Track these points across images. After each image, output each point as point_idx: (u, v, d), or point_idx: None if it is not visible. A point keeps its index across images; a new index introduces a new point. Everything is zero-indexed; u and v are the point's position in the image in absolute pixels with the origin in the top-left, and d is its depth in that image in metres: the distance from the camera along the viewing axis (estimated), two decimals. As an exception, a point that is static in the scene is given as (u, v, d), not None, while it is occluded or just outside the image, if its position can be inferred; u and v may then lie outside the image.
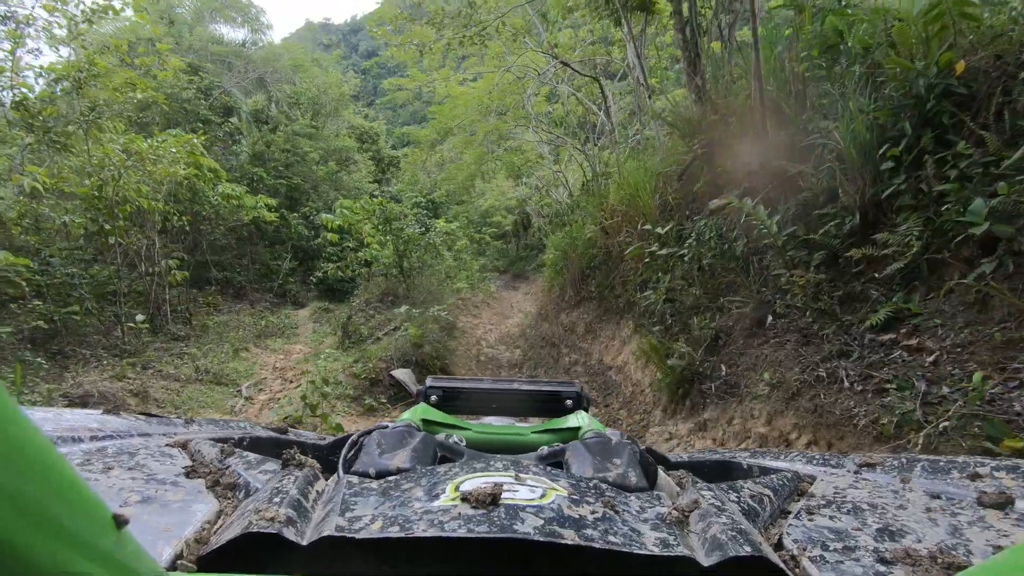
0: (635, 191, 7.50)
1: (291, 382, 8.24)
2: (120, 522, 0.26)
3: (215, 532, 0.52)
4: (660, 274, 5.76)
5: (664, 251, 5.47)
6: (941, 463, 0.75)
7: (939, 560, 0.49)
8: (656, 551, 0.47)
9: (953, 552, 0.50)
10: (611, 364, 7.78)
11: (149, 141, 8.27)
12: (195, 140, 9.35)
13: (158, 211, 10.55)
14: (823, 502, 0.65)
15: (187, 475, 0.63)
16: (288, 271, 15.95)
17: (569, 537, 0.46)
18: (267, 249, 17.62)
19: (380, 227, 10.10)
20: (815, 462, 0.85)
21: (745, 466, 0.88)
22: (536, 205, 23.25)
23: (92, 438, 0.72)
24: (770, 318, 3.92)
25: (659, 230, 5.58)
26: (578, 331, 9.37)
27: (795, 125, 4.24)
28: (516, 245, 27.79)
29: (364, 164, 23.22)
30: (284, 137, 19.50)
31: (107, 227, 8.96)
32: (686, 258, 5.46)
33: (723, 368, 4.06)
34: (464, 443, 0.86)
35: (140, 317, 9.29)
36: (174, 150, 8.69)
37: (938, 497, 0.64)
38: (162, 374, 8.04)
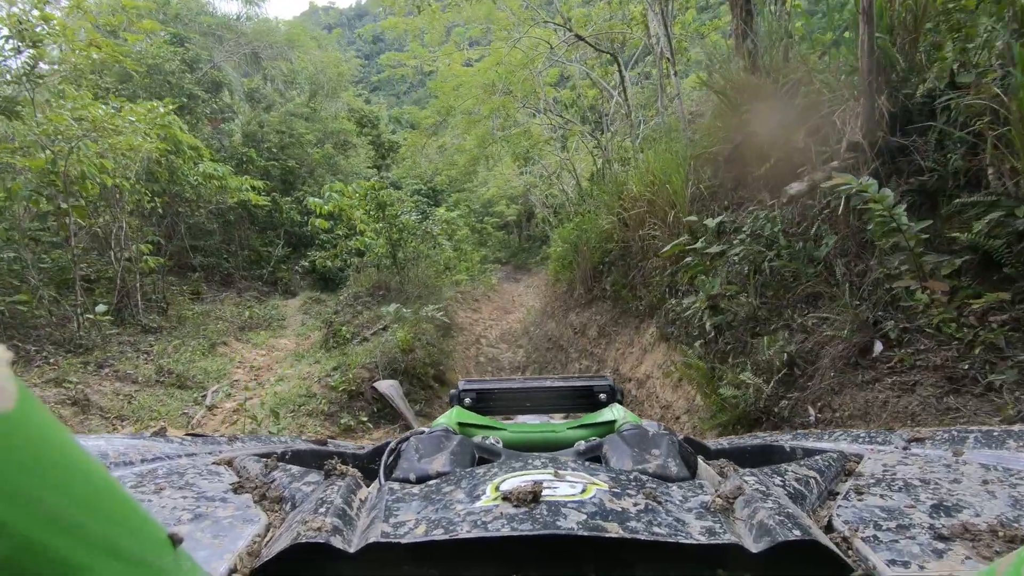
0: (663, 178, 6.36)
1: (264, 387, 7.15)
2: (176, 540, 0.26)
3: (266, 544, 0.52)
4: (702, 276, 4.64)
5: (713, 248, 4.33)
6: (995, 433, 0.71)
7: (1000, 534, 0.46)
8: (703, 540, 0.45)
9: (1015, 524, 0.48)
10: (630, 375, 6.68)
11: (104, 108, 7.08)
12: (161, 109, 8.12)
13: (128, 190, 9.41)
14: (872, 481, 0.62)
15: (235, 491, 0.63)
16: (280, 258, 14.79)
17: (613, 530, 0.44)
18: (258, 235, 16.48)
19: (373, 213, 8.97)
20: (861, 440, 0.81)
21: (788, 449, 0.83)
22: (541, 195, 22.09)
23: (142, 461, 0.73)
24: (879, 345, 2.80)
25: (708, 221, 4.44)
26: (589, 334, 8.27)
27: (910, 84, 3.10)
28: (519, 236, 26.68)
29: (363, 148, 22.00)
30: (279, 118, 18.28)
31: (64, 206, 7.81)
32: (737, 258, 4.35)
33: (811, 411, 2.96)
34: (501, 443, 0.84)
35: (101, 308, 8.16)
36: (134, 118, 7.49)
37: (994, 468, 0.60)
38: (118, 374, 6.95)
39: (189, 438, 0.92)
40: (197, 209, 11.87)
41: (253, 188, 12.47)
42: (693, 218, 4.89)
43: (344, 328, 7.66)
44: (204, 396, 6.83)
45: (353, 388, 5.44)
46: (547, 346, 9.78)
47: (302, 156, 17.94)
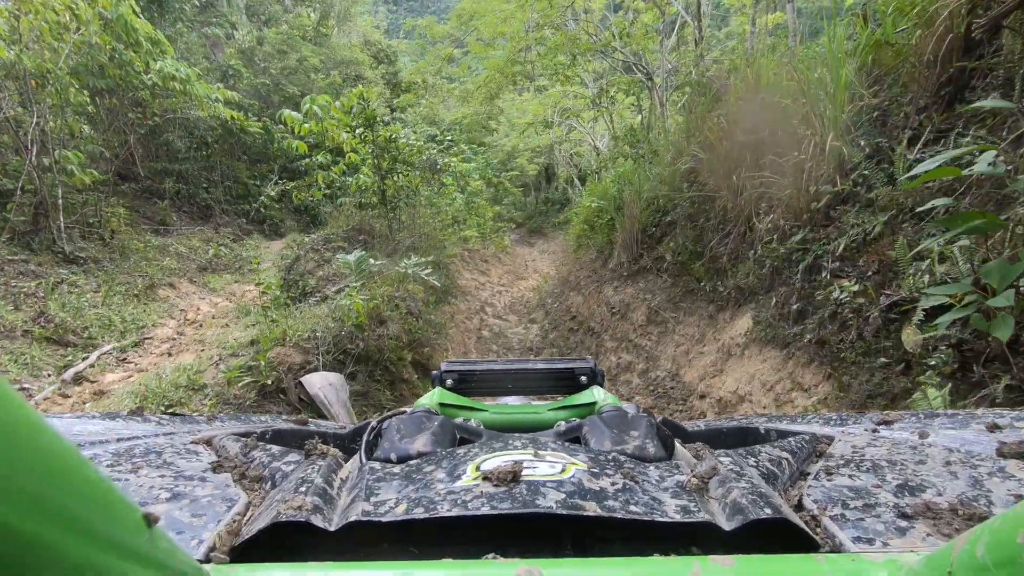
0: (800, 83, 3.87)
1: (185, 351, 4.86)
2: (151, 520, 0.26)
3: (245, 523, 0.50)
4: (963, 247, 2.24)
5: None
6: (960, 417, 0.73)
7: (960, 512, 0.47)
8: (677, 518, 0.45)
9: (974, 504, 0.48)
10: (702, 389, 4.33)
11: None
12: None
13: (52, 77, 7.01)
14: (841, 462, 0.62)
15: (214, 470, 0.61)
16: (273, 195, 12.35)
17: (591, 509, 0.44)
18: (249, 166, 14.02)
19: (361, 134, 6.53)
20: (832, 423, 0.82)
21: (763, 431, 0.82)
22: (567, 152, 19.41)
23: (118, 439, 0.70)
24: None
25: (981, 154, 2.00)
26: (634, 318, 5.88)
27: None
28: (536, 198, 24.09)
29: (377, 87, 19.24)
30: (281, 36, 15.57)
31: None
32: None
33: None
34: (482, 424, 0.82)
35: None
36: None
37: (957, 451, 0.61)
38: (-29, 318, 4.70)
39: (167, 417, 0.88)
40: (152, 117, 9.39)
41: (229, 103, 9.98)
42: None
43: (302, 280, 5.34)
44: (86, 358, 4.54)
45: (270, 381, 3.18)
46: (571, 326, 7.43)
47: (304, 83, 15.28)
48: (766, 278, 3.98)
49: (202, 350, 4.41)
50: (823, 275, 3.25)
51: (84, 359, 4.56)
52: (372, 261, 4.21)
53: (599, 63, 13.76)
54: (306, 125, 7.18)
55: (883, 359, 2.66)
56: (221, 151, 12.91)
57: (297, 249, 6.24)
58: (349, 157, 7.17)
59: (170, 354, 4.68)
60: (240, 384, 3.04)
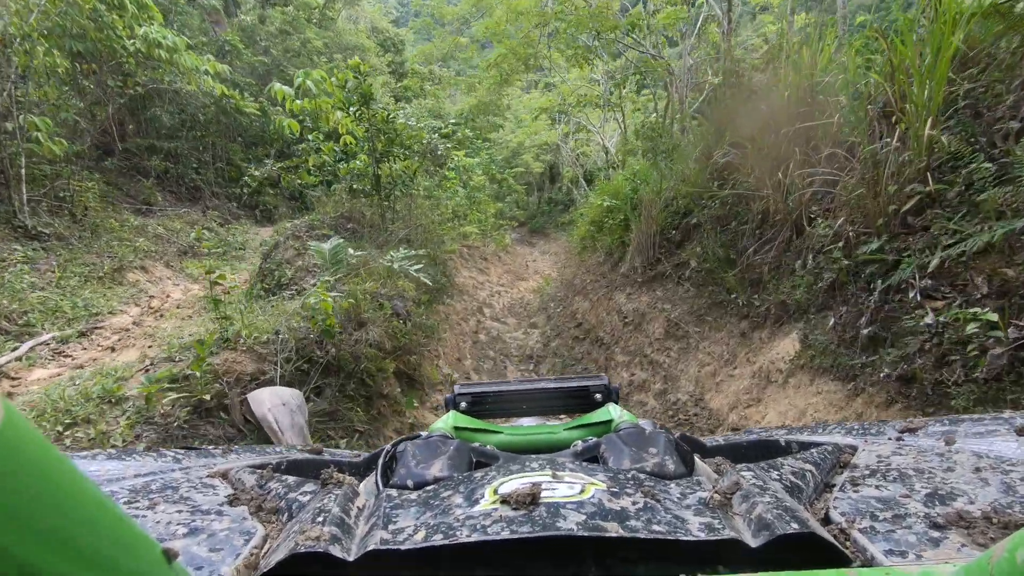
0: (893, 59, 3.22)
1: (132, 346, 4.15)
2: (171, 556, 0.25)
3: (263, 556, 0.50)
4: None
5: None
6: (986, 421, 0.70)
7: (994, 520, 0.44)
8: (702, 536, 0.43)
9: (1008, 511, 0.46)
10: (735, 419, 3.65)
11: None
12: None
13: (16, 33, 6.30)
14: (867, 472, 0.59)
15: (230, 503, 0.60)
16: (257, 176, 11.61)
17: (613, 530, 0.43)
18: (245, 148, 13.28)
19: (356, 112, 5.83)
20: (854, 432, 0.80)
21: (783, 443, 0.80)
22: (574, 151, 18.72)
23: (136, 475, 0.70)
24: None
25: None
26: (650, 329, 5.20)
27: None
28: (539, 198, 23.40)
29: (382, 76, 18.53)
30: (285, 16, 14.85)
31: None
32: None
33: None
34: (497, 448, 0.81)
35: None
36: None
37: (986, 456, 0.58)
38: None
39: (183, 451, 0.87)
40: (134, 86, 8.68)
41: (222, 79, 9.28)
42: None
43: (279, 270, 4.65)
44: (15, 348, 3.83)
45: (207, 397, 2.46)
46: (575, 334, 6.75)
47: (307, 66, 14.52)
48: (821, 294, 3.30)
49: (149, 346, 3.72)
50: (911, 295, 2.57)
51: (13, 350, 3.85)
52: (352, 251, 3.51)
53: (612, 62, 13.10)
54: (298, 102, 6.48)
55: (1010, 411, 1.98)
56: (217, 131, 12.19)
57: (277, 236, 5.55)
58: (344, 139, 6.47)
59: (114, 349, 3.98)
60: (167, 399, 2.35)
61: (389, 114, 5.85)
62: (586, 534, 0.42)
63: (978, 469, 0.56)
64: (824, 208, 3.59)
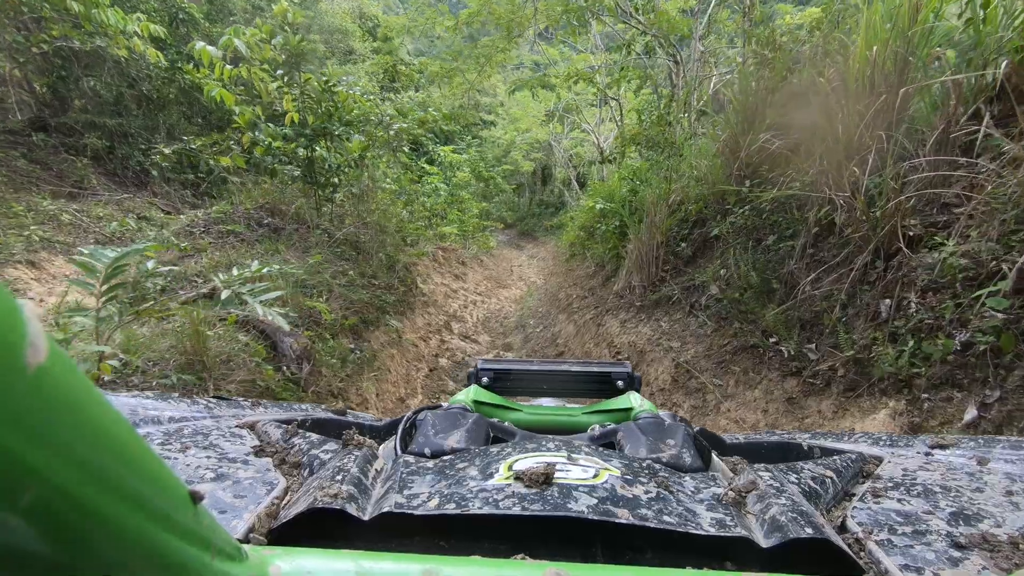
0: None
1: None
2: (196, 498, 0.26)
3: (283, 507, 0.51)
4: None
5: None
6: (1023, 444, 0.66)
7: (1021, 546, 0.43)
8: (712, 531, 0.42)
9: None
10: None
11: None
12: None
13: None
14: (891, 484, 0.57)
15: (256, 454, 0.62)
16: (167, 153, 10.14)
17: (623, 516, 0.42)
18: (204, 130, 11.81)
19: (284, 77, 4.47)
20: (882, 443, 0.74)
21: (805, 447, 0.76)
22: (567, 151, 17.41)
23: (170, 419, 0.71)
24: None
25: None
26: (651, 373, 3.87)
27: None
28: (529, 199, 22.11)
29: (370, 67, 17.10)
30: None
31: None
32: None
33: None
34: (515, 424, 0.78)
35: None
36: None
37: (1020, 479, 0.55)
38: None
39: (215, 400, 0.88)
40: (39, 43, 7.25)
41: (160, 44, 7.86)
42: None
43: (145, 279, 3.28)
44: None
45: None
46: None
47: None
48: (945, 364, 2.00)
49: None
50: None
51: None
52: (153, 265, 2.16)
53: (611, 55, 11.80)
54: (229, 67, 5.09)
55: None
56: (178, 111, 10.75)
57: (177, 225, 4.20)
58: (291, 115, 5.09)
59: None
60: None
61: (327, 81, 4.51)
62: (596, 518, 0.42)
63: (1010, 492, 0.52)
64: (934, 222, 2.29)
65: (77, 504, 0.18)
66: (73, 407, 0.18)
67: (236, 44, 5.22)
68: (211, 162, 6.67)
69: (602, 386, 1.12)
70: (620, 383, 1.10)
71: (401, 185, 9.15)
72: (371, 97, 5.06)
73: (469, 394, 0.97)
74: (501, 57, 8.92)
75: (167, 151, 6.51)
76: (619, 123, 11.32)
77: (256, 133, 5.41)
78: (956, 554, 0.43)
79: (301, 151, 4.57)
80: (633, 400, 0.96)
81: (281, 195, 4.69)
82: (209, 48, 5.12)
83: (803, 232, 2.99)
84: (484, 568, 0.37)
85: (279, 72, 4.55)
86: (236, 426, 0.71)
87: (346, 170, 4.98)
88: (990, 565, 0.41)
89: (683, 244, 4.49)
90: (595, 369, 1.14)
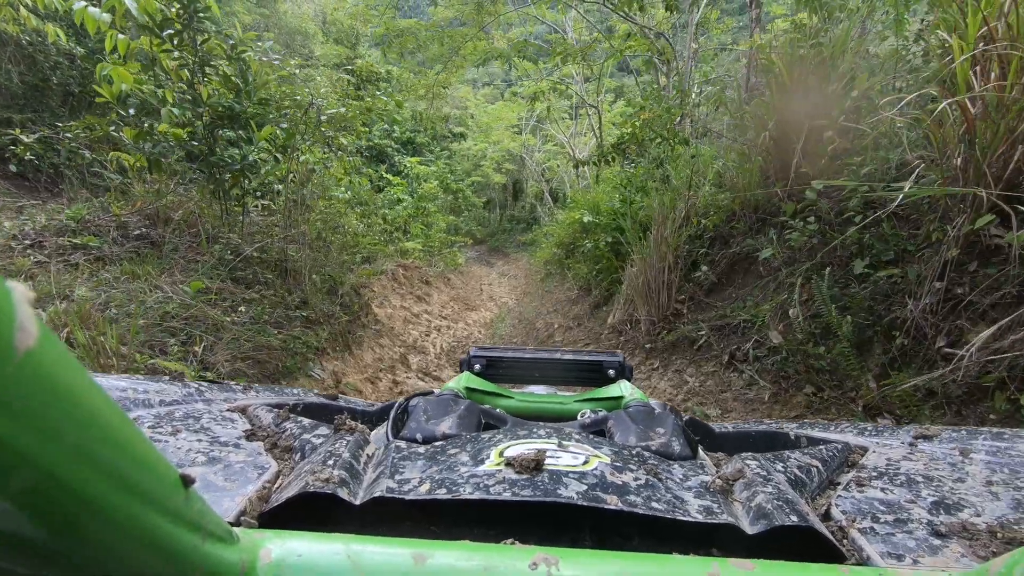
0: None
1: None
2: (187, 481, 0.26)
3: (275, 491, 0.49)
4: None
5: None
6: (1005, 435, 0.66)
7: (999, 535, 0.43)
8: (700, 518, 0.42)
9: (1015, 527, 0.44)
10: None
11: None
12: None
13: None
14: (875, 473, 0.57)
15: (247, 438, 0.60)
16: (29, 143, 8.66)
17: (612, 502, 0.42)
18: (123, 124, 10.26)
19: (174, 38, 3.22)
20: (867, 433, 0.74)
21: (792, 437, 0.76)
22: (540, 164, 16.43)
23: (161, 403, 0.70)
24: None
25: None
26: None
27: None
28: (500, 215, 21.05)
29: (328, 65, 15.80)
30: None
31: None
32: None
33: None
34: (507, 411, 0.79)
35: None
36: None
37: (1001, 470, 0.55)
38: None
39: (206, 384, 0.84)
40: None
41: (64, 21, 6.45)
42: None
43: None
44: None
45: None
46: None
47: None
48: None
49: None
50: None
51: None
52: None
53: (587, 65, 10.92)
54: (123, 37, 3.75)
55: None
56: (92, 103, 9.23)
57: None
58: (215, 98, 3.76)
59: None
60: None
61: (234, 45, 3.29)
62: (585, 504, 0.42)
63: (990, 483, 0.53)
64: None
65: (67, 488, 0.18)
66: (63, 391, 0.18)
67: (129, 6, 3.87)
68: (86, 153, 5.26)
69: (593, 375, 1.11)
70: (611, 372, 1.08)
71: (356, 192, 7.88)
72: (296, 72, 3.85)
73: (461, 381, 0.96)
74: (470, 47, 7.80)
75: (27, 139, 5.05)
76: (597, 132, 10.36)
77: (159, 119, 4.06)
78: (936, 542, 0.43)
79: (198, 141, 3.29)
80: (624, 389, 0.95)
81: (180, 199, 3.39)
82: (92, 10, 3.76)
83: (932, 253, 1.90)
84: (473, 552, 0.36)
85: (167, 33, 3.28)
86: (227, 410, 0.69)
87: (267, 168, 3.71)
88: (968, 553, 0.42)
89: (704, 268, 3.39)
90: (587, 358, 1.13)
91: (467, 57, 7.88)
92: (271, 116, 3.41)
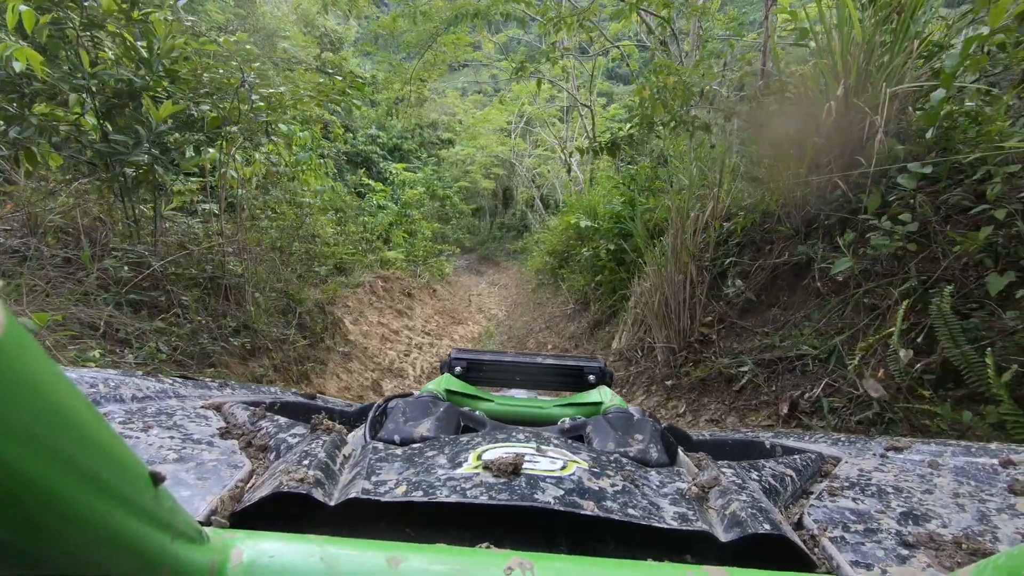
0: None
1: None
2: (157, 479, 0.25)
3: (248, 490, 0.48)
4: None
5: None
6: (973, 449, 0.67)
7: (964, 546, 0.44)
8: (674, 525, 0.42)
9: (979, 538, 0.45)
10: None
11: None
12: None
13: None
14: (847, 483, 0.57)
15: (221, 436, 0.58)
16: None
17: (588, 508, 0.42)
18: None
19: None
20: (840, 444, 0.74)
21: (768, 446, 0.76)
22: (530, 170, 15.74)
23: (133, 398, 0.68)
24: None
25: None
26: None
27: None
28: (490, 223, 20.30)
29: (310, 68, 15.04)
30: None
31: None
32: None
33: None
34: (486, 414, 0.75)
35: None
36: None
37: (967, 483, 0.56)
38: None
39: (180, 380, 0.81)
40: None
41: None
42: None
43: None
44: None
45: None
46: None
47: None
48: None
49: None
50: None
51: None
52: None
53: (581, 63, 10.29)
54: (25, 8, 2.96)
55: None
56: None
57: None
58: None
59: None
60: None
61: (134, 1, 2.52)
62: (562, 508, 0.42)
63: (957, 495, 0.54)
64: None
65: (33, 486, 0.17)
66: (30, 385, 0.17)
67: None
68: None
69: (574, 380, 1.09)
70: (592, 377, 1.07)
71: (329, 198, 7.10)
72: (218, 39, 3.06)
73: (441, 383, 0.93)
74: (452, 39, 7.07)
75: None
76: (591, 133, 9.67)
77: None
78: (904, 552, 0.44)
79: (91, 119, 2.52)
80: (604, 395, 0.95)
81: (75, 202, 2.60)
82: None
83: None
84: (449, 556, 0.35)
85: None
86: (202, 407, 0.67)
87: (188, 160, 2.93)
88: (934, 563, 0.42)
89: (738, 282, 2.65)
90: (568, 363, 1.11)
91: (446, 45, 7.14)
92: (187, 95, 2.64)
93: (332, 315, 5.36)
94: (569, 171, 12.12)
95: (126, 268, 2.55)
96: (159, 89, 2.53)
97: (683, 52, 5.82)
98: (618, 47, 7.32)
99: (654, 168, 4.01)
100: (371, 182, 11.01)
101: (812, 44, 2.54)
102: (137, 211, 2.86)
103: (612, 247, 3.95)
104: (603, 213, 4.74)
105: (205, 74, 2.67)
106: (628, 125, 3.77)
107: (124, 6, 2.57)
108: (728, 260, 2.86)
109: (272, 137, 3.21)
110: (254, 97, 2.82)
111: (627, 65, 6.97)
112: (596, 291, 4.43)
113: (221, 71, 2.72)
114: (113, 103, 2.57)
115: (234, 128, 2.80)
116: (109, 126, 2.53)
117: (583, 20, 4.50)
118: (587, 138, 10.30)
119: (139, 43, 2.57)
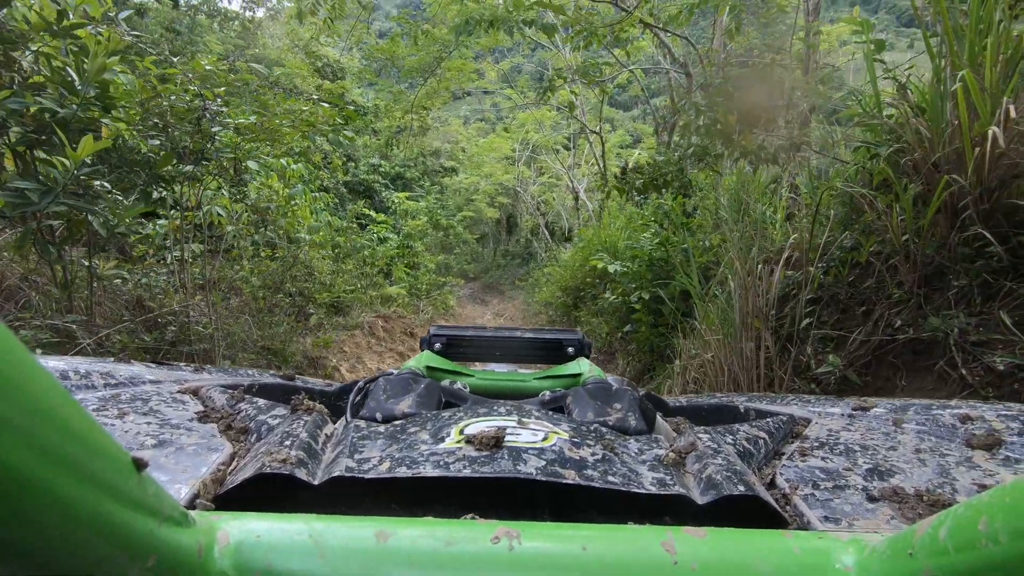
0: None
1: None
2: (140, 465, 0.25)
3: (230, 473, 0.47)
4: None
5: None
6: (934, 406, 0.68)
7: (925, 498, 0.46)
8: (653, 490, 0.43)
9: (939, 491, 0.47)
10: None
11: None
12: None
13: None
14: (816, 444, 0.60)
15: (200, 420, 0.58)
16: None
17: (570, 477, 0.43)
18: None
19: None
20: (811, 405, 0.76)
21: (742, 410, 0.78)
22: (535, 197, 15.28)
23: (105, 385, 0.66)
24: None
25: None
26: None
27: None
28: (494, 250, 19.81)
29: (311, 98, 14.72)
30: (175, 14, 10.96)
31: None
32: None
33: None
34: (468, 389, 0.77)
35: None
36: None
37: (928, 439, 0.59)
38: None
39: (155, 364, 0.79)
40: None
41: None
42: None
43: None
44: None
45: None
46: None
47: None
48: None
49: None
50: None
51: None
52: None
53: (590, 91, 9.85)
54: None
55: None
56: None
57: None
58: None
59: None
60: None
61: (61, 13, 1.99)
62: (544, 479, 0.42)
63: (919, 451, 0.55)
64: None
65: (16, 476, 0.17)
66: (7, 375, 0.17)
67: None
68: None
69: (553, 352, 1.08)
70: (570, 349, 1.07)
71: (325, 235, 6.54)
72: (174, 61, 2.50)
73: (421, 360, 0.93)
74: (457, 65, 6.61)
75: None
76: (600, 161, 9.19)
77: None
78: (870, 506, 0.44)
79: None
80: (582, 366, 0.94)
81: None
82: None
83: None
84: (436, 528, 0.35)
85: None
86: (178, 391, 0.66)
87: (133, 206, 2.35)
88: (898, 515, 0.43)
89: (831, 357, 2.03)
90: (546, 336, 1.10)
91: (450, 72, 6.70)
92: (131, 127, 2.08)
93: (324, 368, 4.74)
94: (576, 199, 11.64)
95: (40, 348, 1.94)
96: (90, 119, 1.96)
97: (706, 75, 5.32)
98: (631, 69, 6.87)
99: (701, 202, 3.43)
100: (372, 212, 10.48)
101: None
102: (70, 271, 2.27)
103: (646, 296, 3.35)
104: (625, 251, 4.16)
105: (154, 101, 2.11)
106: (665, 157, 3.23)
107: (52, 21, 2.01)
108: (805, 323, 2.25)
109: (243, 175, 2.65)
110: (216, 129, 2.26)
111: (642, 90, 6.50)
112: (625, 344, 3.81)
113: (174, 96, 2.16)
114: (32, 138, 1.99)
115: (188, 167, 2.23)
116: (21, 166, 1.96)
117: (617, 33, 3.99)
118: (597, 165, 9.81)
119: (66, 59, 2.01)
